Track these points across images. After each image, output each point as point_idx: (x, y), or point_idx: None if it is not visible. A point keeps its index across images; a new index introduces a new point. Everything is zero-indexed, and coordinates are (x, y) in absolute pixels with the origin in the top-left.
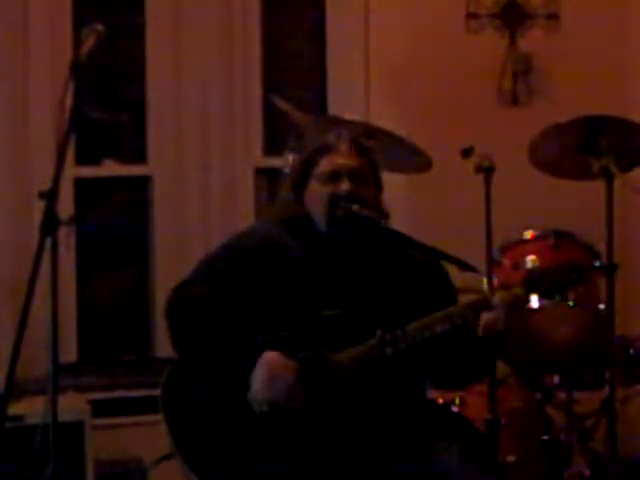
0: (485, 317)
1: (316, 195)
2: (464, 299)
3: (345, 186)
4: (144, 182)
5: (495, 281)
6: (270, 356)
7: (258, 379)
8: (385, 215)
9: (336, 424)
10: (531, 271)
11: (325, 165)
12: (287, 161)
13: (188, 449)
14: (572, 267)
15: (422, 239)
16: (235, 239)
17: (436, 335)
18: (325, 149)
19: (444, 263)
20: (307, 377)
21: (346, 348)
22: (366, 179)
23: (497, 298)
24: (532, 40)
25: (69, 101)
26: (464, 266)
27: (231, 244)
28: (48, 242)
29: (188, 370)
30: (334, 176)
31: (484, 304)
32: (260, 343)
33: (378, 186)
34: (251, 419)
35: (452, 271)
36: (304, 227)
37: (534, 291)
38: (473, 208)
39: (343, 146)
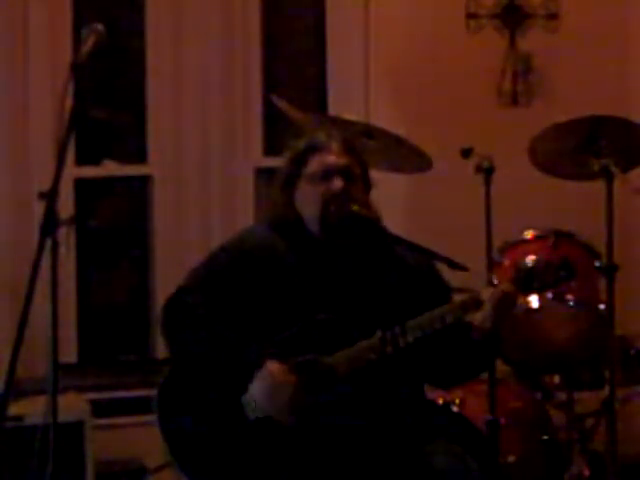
0: (476, 317)
1: (308, 195)
2: (458, 298)
3: (338, 184)
4: (144, 182)
5: (495, 281)
6: (271, 368)
7: (258, 390)
8: (378, 215)
9: (333, 426)
10: (520, 268)
11: (316, 164)
12: None
13: (184, 456)
14: (561, 263)
15: (422, 239)
16: (229, 245)
17: (430, 334)
18: (315, 148)
19: (438, 263)
20: (306, 388)
21: (341, 350)
22: (356, 178)
23: (486, 295)
24: (532, 40)
25: (69, 101)
26: (454, 265)
27: (225, 250)
28: (48, 242)
29: (183, 378)
30: (326, 175)
31: (474, 302)
32: (257, 349)
33: (367, 185)
34: (246, 425)
35: (454, 273)
36: (296, 231)
37: (523, 287)
38: (473, 208)
39: (334, 145)
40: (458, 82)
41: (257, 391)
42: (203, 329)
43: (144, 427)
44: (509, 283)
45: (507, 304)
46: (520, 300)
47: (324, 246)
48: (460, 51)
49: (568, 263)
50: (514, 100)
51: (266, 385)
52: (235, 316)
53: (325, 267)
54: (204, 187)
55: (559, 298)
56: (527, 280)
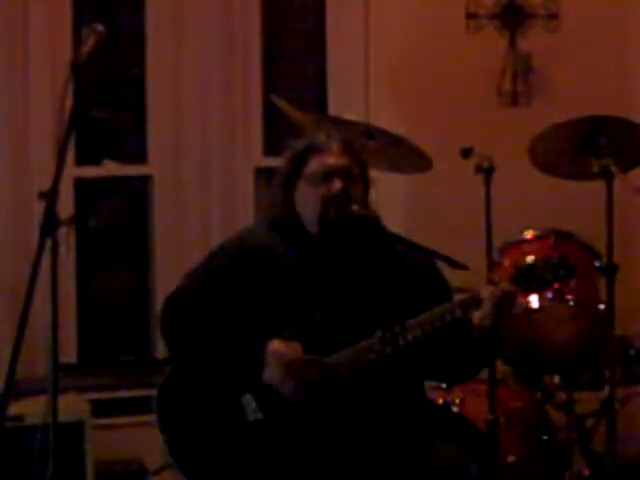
0: (475, 315)
1: (307, 196)
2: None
3: (338, 186)
4: (144, 182)
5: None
6: (275, 346)
7: (275, 372)
8: (377, 215)
9: (333, 426)
10: (520, 266)
11: (315, 165)
12: None
13: (183, 457)
14: (560, 261)
15: (422, 239)
16: (228, 244)
17: (429, 333)
18: (314, 149)
19: (439, 262)
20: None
21: (341, 350)
22: (356, 178)
23: (485, 294)
24: (532, 40)
25: (69, 101)
26: (454, 263)
27: (224, 250)
28: (48, 242)
29: (183, 378)
30: (325, 176)
31: (474, 301)
32: (256, 349)
33: (366, 185)
34: (246, 425)
35: (454, 272)
36: (295, 231)
37: (523, 286)
38: (473, 208)
39: (334, 146)
40: (458, 82)
41: (274, 373)
42: (202, 329)
43: (144, 427)
44: (508, 282)
45: (507, 302)
46: (520, 299)
47: (323, 246)
48: (460, 51)
49: (567, 261)
50: (514, 100)
51: (279, 364)
52: (234, 316)
53: (324, 267)
54: (204, 187)
55: (559, 298)
56: (526, 278)
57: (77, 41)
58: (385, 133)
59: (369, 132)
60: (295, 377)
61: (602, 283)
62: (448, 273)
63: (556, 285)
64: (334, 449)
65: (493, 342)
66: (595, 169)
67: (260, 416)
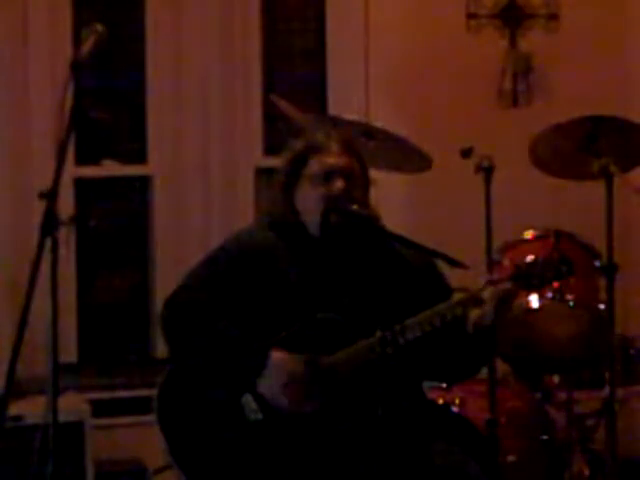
0: (474, 312)
1: (309, 196)
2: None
3: (340, 185)
4: (144, 182)
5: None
6: (279, 358)
7: (272, 382)
8: (377, 214)
9: (333, 426)
10: (520, 265)
11: (316, 165)
12: None
13: (184, 456)
14: (560, 259)
15: (422, 239)
16: (228, 244)
17: (428, 333)
18: (315, 149)
19: (439, 262)
20: (310, 382)
21: (341, 350)
22: (356, 178)
23: (486, 293)
24: (532, 40)
25: (69, 101)
26: (454, 262)
27: (224, 249)
28: (48, 242)
29: (183, 378)
30: (327, 176)
31: (473, 300)
32: (257, 348)
33: (366, 185)
34: (246, 425)
35: (454, 272)
36: (296, 231)
37: (523, 284)
38: (473, 208)
39: (333, 145)
40: (458, 82)
41: (268, 385)
42: (203, 327)
43: (144, 427)
44: (509, 281)
45: (507, 302)
46: (520, 298)
47: (324, 245)
48: (460, 51)
49: (567, 259)
50: (514, 100)
51: (281, 374)
52: (235, 315)
53: (324, 266)
54: (204, 187)
55: (559, 298)
56: (527, 276)
57: (77, 41)
58: (385, 133)
59: (369, 132)
60: (291, 395)
61: (602, 283)
62: (448, 273)
63: (556, 284)
64: (334, 449)
65: (491, 340)
66: (595, 169)
67: (260, 416)
